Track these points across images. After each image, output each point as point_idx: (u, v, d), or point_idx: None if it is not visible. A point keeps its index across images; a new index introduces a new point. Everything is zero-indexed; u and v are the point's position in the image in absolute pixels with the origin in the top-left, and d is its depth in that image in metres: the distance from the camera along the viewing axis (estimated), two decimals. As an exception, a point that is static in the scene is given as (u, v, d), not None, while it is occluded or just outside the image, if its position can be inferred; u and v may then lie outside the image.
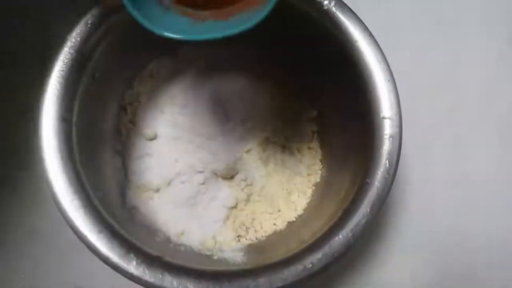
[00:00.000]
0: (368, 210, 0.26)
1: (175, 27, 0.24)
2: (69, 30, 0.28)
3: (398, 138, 0.27)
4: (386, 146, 0.27)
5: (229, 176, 0.34)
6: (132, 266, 0.25)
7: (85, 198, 0.26)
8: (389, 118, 0.28)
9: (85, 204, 0.25)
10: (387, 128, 0.28)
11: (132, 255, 0.25)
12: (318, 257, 0.26)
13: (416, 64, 0.40)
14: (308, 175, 0.36)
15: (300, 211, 0.34)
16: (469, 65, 0.41)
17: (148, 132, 0.34)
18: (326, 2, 0.29)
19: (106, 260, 0.25)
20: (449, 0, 0.41)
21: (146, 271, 0.25)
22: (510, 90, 0.41)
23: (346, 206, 0.27)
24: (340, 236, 0.26)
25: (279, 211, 0.35)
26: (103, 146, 0.33)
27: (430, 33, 0.41)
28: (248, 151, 0.35)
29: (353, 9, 0.30)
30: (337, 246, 0.26)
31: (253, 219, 0.34)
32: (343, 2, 0.30)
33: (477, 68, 0.41)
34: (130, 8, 0.23)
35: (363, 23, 0.29)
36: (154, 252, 0.26)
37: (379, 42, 0.29)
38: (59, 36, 0.28)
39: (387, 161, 0.27)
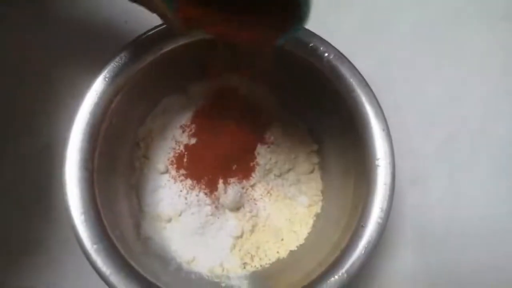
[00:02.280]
0: (363, 252, 0.29)
1: None
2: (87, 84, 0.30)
3: (391, 185, 0.30)
4: (379, 193, 0.30)
5: (235, 208, 0.37)
6: (149, 304, 0.28)
7: (105, 240, 0.28)
8: (383, 166, 0.30)
9: (105, 247, 0.28)
10: (381, 176, 0.30)
11: (148, 294, 0.28)
12: (316, 295, 0.28)
13: (412, 97, 0.42)
14: (310, 205, 0.38)
15: (301, 240, 0.37)
16: (464, 99, 0.42)
17: (160, 166, 0.37)
18: (326, 55, 0.32)
19: (125, 298, 0.28)
20: (446, 38, 0.43)
21: (161, 308, 0.28)
22: (503, 124, 0.42)
23: (342, 247, 0.30)
24: (336, 277, 0.29)
25: (282, 240, 0.37)
26: (119, 181, 0.35)
27: (427, 69, 0.42)
28: (253, 185, 0.37)
29: (352, 49, 0.32)
30: (333, 286, 0.29)
31: (258, 248, 0.37)
32: (342, 54, 0.32)
33: (472, 102, 0.42)
34: None
35: (360, 74, 0.31)
36: (168, 288, 0.29)
37: (376, 75, 0.32)
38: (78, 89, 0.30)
39: (380, 207, 0.29)
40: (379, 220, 0.29)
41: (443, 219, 0.40)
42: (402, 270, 0.39)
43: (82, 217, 0.28)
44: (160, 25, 0.31)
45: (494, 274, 0.40)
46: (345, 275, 0.29)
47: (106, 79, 0.30)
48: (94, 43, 0.37)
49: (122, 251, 0.29)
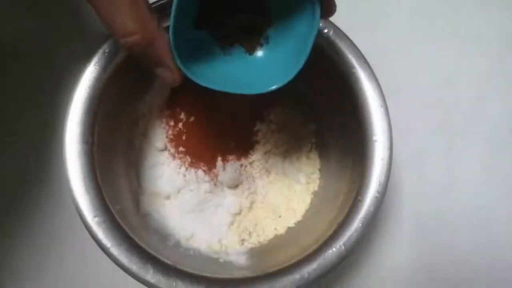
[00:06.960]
0: (360, 225, 0.29)
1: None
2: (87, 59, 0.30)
3: (388, 160, 0.30)
4: (377, 167, 0.30)
5: (234, 185, 0.37)
6: (149, 275, 0.28)
7: (106, 213, 0.29)
8: (380, 142, 0.30)
9: (106, 220, 0.28)
10: (378, 151, 0.30)
11: (149, 265, 0.28)
12: (313, 267, 0.29)
13: (409, 78, 0.42)
14: (307, 183, 0.38)
15: (299, 217, 0.37)
16: (460, 81, 0.43)
17: (159, 143, 0.37)
18: (325, 31, 0.32)
19: (126, 270, 0.28)
20: (443, 19, 0.43)
21: (162, 279, 0.28)
22: (498, 105, 0.43)
23: (340, 220, 0.30)
24: (334, 249, 0.29)
25: (279, 217, 0.38)
26: (118, 158, 0.35)
27: (424, 49, 0.43)
28: (251, 163, 0.37)
29: (351, 29, 0.32)
30: (331, 258, 0.29)
31: (256, 224, 0.37)
32: (341, 31, 0.32)
33: (469, 83, 0.43)
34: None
35: (359, 51, 0.32)
36: (168, 261, 0.29)
37: (376, 58, 0.32)
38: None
39: (377, 181, 0.30)
40: (377, 194, 0.30)
41: (439, 201, 0.41)
42: (399, 257, 0.40)
43: (83, 190, 0.28)
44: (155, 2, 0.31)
45: (487, 250, 0.41)
46: (343, 247, 0.29)
47: (106, 54, 0.30)
48: (93, 26, 0.37)
49: (123, 225, 0.30)
